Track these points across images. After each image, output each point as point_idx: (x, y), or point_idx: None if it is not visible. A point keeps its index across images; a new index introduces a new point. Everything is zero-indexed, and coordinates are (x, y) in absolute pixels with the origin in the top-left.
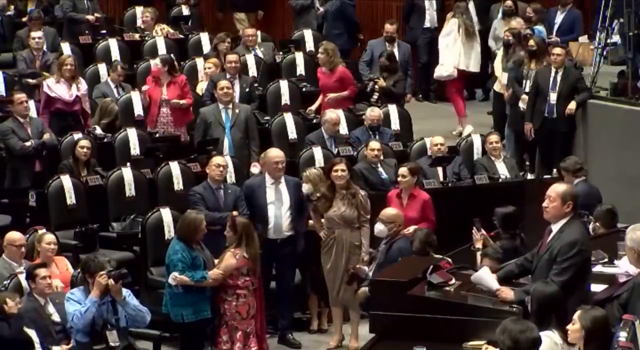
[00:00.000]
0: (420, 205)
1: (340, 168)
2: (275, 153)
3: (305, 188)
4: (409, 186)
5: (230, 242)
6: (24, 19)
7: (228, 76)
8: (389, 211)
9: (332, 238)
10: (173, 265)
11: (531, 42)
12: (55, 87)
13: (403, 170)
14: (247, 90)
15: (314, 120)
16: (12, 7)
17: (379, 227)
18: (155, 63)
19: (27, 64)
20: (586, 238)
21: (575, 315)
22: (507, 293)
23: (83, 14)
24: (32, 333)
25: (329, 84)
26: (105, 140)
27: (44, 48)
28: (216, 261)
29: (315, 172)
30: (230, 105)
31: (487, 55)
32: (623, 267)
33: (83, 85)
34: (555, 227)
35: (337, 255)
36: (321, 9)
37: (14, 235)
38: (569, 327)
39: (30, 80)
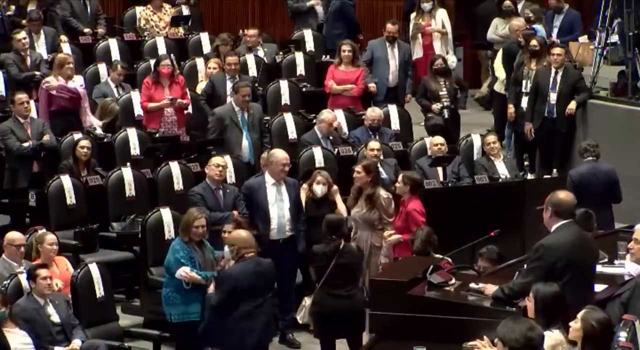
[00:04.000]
0: (405, 216)
1: (356, 170)
2: (282, 155)
3: (321, 189)
4: (402, 193)
5: None
6: (24, 22)
7: (228, 77)
8: (234, 234)
9: (354, 238)
10: (177, 263)
11: (534, 42)
12: (53, 83)
13: (399, 177)
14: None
15: (314, 121)
16: (12, 7)
17: (225, 249)
18: (164, 64)
19: (18, 67)
20: (554, 244)
21: (579, 314)
22: (489, 289)
23: (81, 17)
24: (21, 333)
25: (349, 81)
26: (105, 140)
27: (44, 48)
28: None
29: (326, 174)
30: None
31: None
32: (627, 267)
33: (81, 82)
34: None
35: None
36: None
37: (14, 235)
38: (571, 324)
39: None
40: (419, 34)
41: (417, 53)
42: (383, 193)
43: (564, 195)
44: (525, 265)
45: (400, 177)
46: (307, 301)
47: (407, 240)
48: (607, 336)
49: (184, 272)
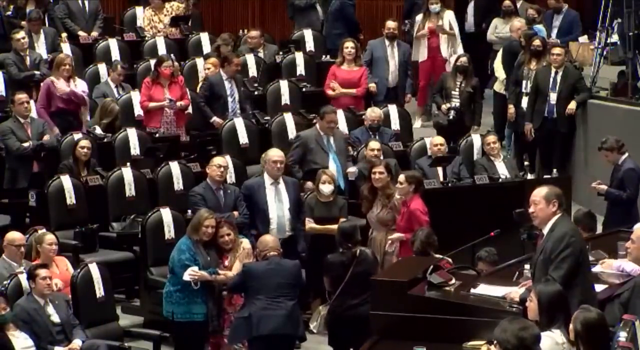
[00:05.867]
0: (408, 215)
1: (379, 171)
2: (274, 152)
3: (328, 188)
4: (405, 193)
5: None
6: (23, 22)
7: (225, 77)
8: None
9: (370, 239)
10: (182, 266)
11: (537, 42)
12: (60, 85)
13: (401, 177)
14: (243, 89)
15: (314, 120)
16: (11, 6)
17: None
18: (166, 65)
19: (18, 67)
20: (576, 230)
21: (574, 315)
22: (514, 294)
23: (79, 17)
24: (23, 335)
25: (352, 81)
26: (105, 140)
27: (43, 48)
28: (226, 262)
29: (331, 172)
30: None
31: (486, 56)
32: (616, 265)
33: (84, 88)
34: (545, 229)
35: None
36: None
37: (14, 235)
38: (570, 326)
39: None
40: (426, 35)
41: (422, 55)
42: (397, 194)
43: (558, 188)
44: (526, 266)
45: (402, 178)
46: (322, 311)
47: (409, 241)
48: (598, 335)
49: (192, 271)
